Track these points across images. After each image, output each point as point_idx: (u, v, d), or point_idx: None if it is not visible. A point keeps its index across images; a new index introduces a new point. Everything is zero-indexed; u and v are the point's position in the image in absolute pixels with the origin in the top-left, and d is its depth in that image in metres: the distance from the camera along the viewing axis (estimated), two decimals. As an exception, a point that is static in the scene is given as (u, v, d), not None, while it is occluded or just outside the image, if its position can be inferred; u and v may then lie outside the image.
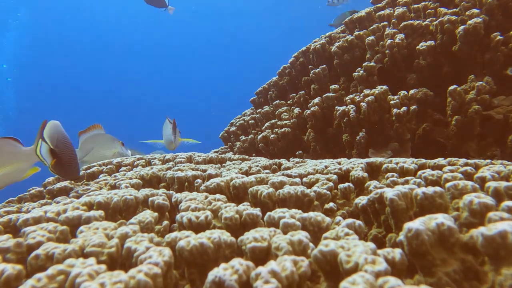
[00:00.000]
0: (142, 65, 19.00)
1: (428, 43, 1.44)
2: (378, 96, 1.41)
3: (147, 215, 0.58)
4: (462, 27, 1.33)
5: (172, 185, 0.88)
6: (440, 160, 0.79)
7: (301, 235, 0.43)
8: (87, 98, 18.32)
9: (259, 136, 1.93)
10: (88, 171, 1.10)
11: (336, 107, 1.54)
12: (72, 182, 0.97)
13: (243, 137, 2.13)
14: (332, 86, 1.68)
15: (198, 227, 0.54)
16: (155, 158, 1.22)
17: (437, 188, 0.51)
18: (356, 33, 1.76)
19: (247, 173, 0.95)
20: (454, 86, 1.27)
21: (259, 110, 2.18)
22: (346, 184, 0.74)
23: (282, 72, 2.21)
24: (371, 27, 1.73)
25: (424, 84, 1.48)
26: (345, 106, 1.50)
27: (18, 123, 13.52)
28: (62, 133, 0.88)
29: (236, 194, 0.73)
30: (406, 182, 0.70)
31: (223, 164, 1.18)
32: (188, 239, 0.44)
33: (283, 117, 1.91)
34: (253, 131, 2.10)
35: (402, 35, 1.53)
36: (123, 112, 19.53)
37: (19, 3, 14.71)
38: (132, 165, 1.17)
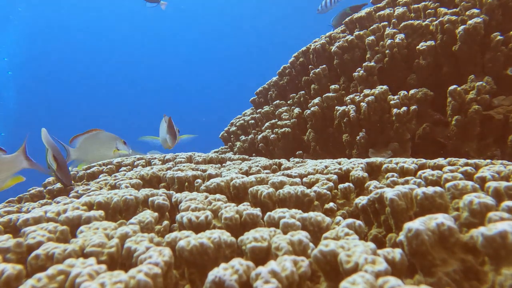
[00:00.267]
0: (143, 60, 18.97)
1: (428, 43, 1.44)
2: (378, 96, 1.41)
3: (147, 215, 0.58)
4: (462, 27, 1.33)
5: (172, 185, 0.88)
6: (440, 160, 0.79)
7: (301, 235, 0.43)
8: (87, 93, 18.31)
9: (259, 136, 1.93)
10: (88, 171, 1.10)
11: (336, 107, 1.54)
12: (67, 185, 0.97)
13: (243, 137, 2.13)
14: (332, 86, 1.68)
15: (198, 227, 0.54)
16: (155, 158, 1.22)
17: (437, 188, 0.51)
18: (356, 33, 1.76)
19: (247, 173, 0.95)
20: (454, 86, 1.27)
21: (259, 110, 2.18)
22: (346, 184, 0.74)
23: (282, 72, 2.21)
24: (371, 27, 1.73)
25: (424, 84, 1.48)
26: (345, 106, 1.50)
27: (18, 115, 13.56)
28: (52, 140, 0.93)
29: (236, 194, 0.73)
30: (406, 182, 0.70)
31: (223, 164, 1.18)
32: (188, 239, 0.44)
33: (283, 117, 1.91)
34: (253, 131, 2.10)
35: (402, 35, 1.53)
36: (123, 110, 19.56)
37: (20, -3, 14.73)
38: (132, 165, 1.17)
